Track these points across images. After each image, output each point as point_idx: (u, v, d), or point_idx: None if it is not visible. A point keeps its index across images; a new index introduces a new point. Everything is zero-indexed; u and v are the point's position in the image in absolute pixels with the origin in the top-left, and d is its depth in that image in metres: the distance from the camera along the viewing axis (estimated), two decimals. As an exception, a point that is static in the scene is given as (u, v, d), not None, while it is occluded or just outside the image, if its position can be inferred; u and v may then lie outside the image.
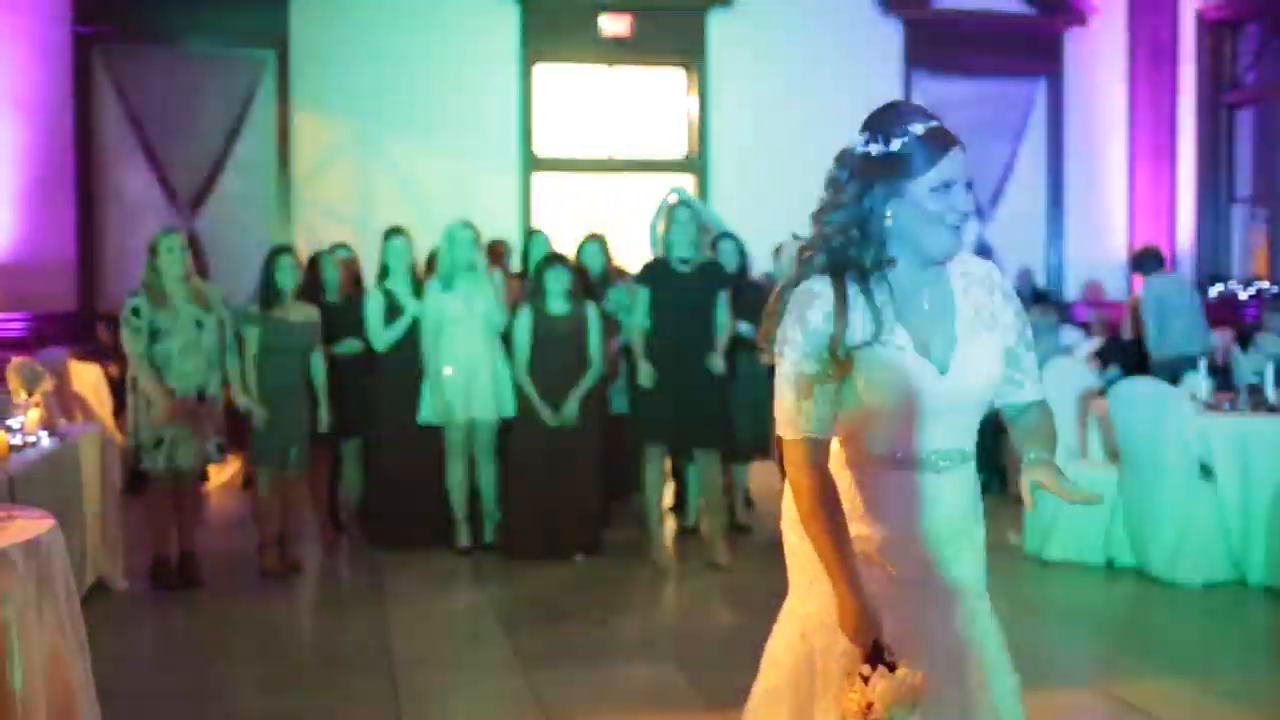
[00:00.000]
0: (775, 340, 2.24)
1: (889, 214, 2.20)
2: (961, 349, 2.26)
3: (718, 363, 6.44)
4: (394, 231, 7.18)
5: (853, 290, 2.20)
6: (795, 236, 7.43)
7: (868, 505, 2.28)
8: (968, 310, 2.30)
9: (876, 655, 2.14)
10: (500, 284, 7.09)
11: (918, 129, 2.18)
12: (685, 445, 6.74)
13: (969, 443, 2.33)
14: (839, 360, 2.19)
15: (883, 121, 2.22)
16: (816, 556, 2.24)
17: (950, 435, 2.29)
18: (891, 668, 2.11)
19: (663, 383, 6.40)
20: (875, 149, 2.20)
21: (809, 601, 2.32)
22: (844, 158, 2.26)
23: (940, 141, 2.19)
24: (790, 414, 2.21)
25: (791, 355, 2.19)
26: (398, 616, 5.68)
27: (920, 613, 2.28)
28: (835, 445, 2.32)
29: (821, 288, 2.20)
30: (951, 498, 2.31)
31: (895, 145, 2.18)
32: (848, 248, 2.20)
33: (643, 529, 6.73)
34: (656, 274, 6.54)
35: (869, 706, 2.08)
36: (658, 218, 7.38)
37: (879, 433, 2.26)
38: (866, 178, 2.20)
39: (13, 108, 10.19)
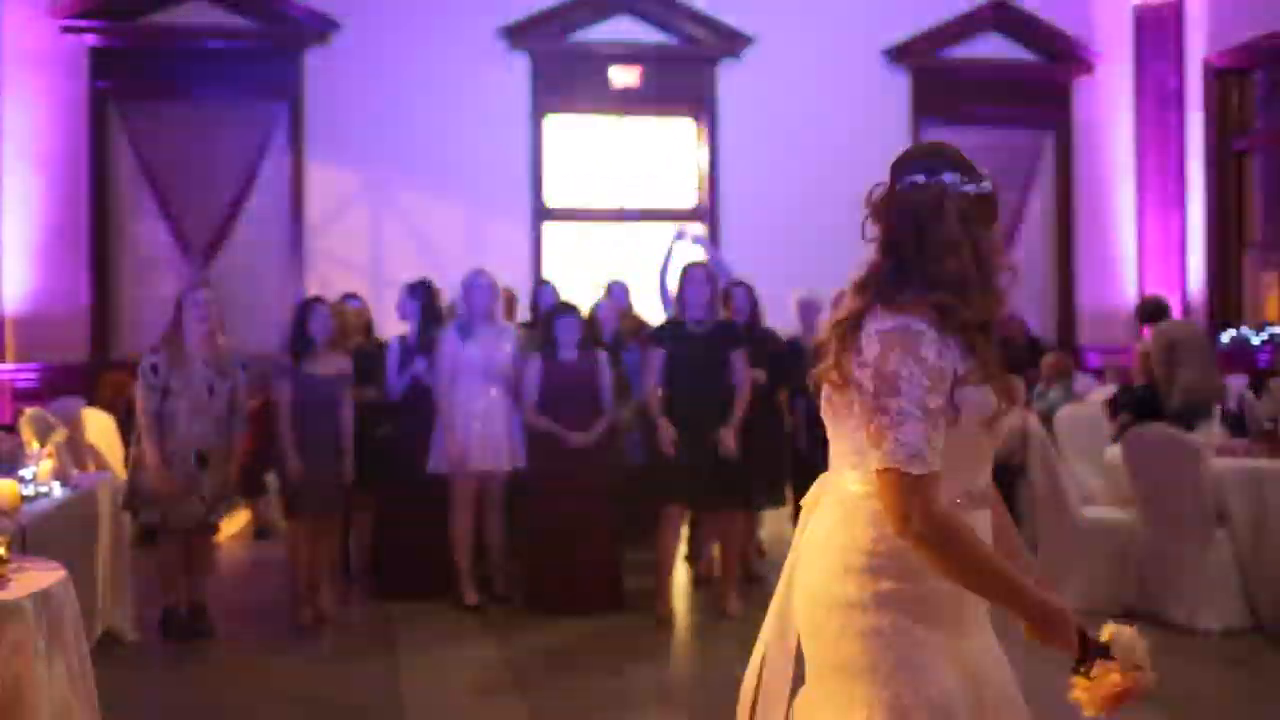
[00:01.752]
0: (868, 380, 2.10)
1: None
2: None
3: (727, 443, 6.34)
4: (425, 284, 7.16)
5: (955, 325, 2.12)
6: (809, 293, 7.43)
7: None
8: None
9: (1089, 647, 2.13)
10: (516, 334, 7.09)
11: (987, 182, 2.19)
12: (706, 504, 6.67)
13: (991, 487, 2.32)
14: (955, 403, 2.10)
15: (960, 160, 2.19)
16: (902, 639, 2.11)
17: (987, 476, 2.28)
18: (1104, 649, 2.12)
19: (681, 442, 6.33)
20: (971, 188, 2.17)
21: (892, 684, 2.11)
22: (934, 194, 2.16)
23: (994, 194, 2.22)
24: (918, 448, 2.03)
25: (913, 391, 2.04)
26: (409, 668, 5.65)
27: (981, 660, 2.25)
28: (844, 479, 2.21)
29: (921, 327, 2.09)
30: (988, 530, 2.28)
31: (986, 185, 2.18)
32: (951, 283, 2.12)
33: (657, 583, 6.66)
34: (671, 335, 6.51)
35: (1115, 686, 2.10)
36: (666, 263, 7.41)
37: (956, 473, 2.14)
38: (972, 220, 2.16)
39: (29, 160, 10.30)
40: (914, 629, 2.13)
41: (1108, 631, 2.14)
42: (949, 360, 2.09)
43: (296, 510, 6.46)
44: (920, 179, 2.17)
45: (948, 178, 2.16)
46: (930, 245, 2.13)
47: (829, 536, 2.22)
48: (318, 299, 6.76)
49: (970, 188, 2.16)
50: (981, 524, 2.24)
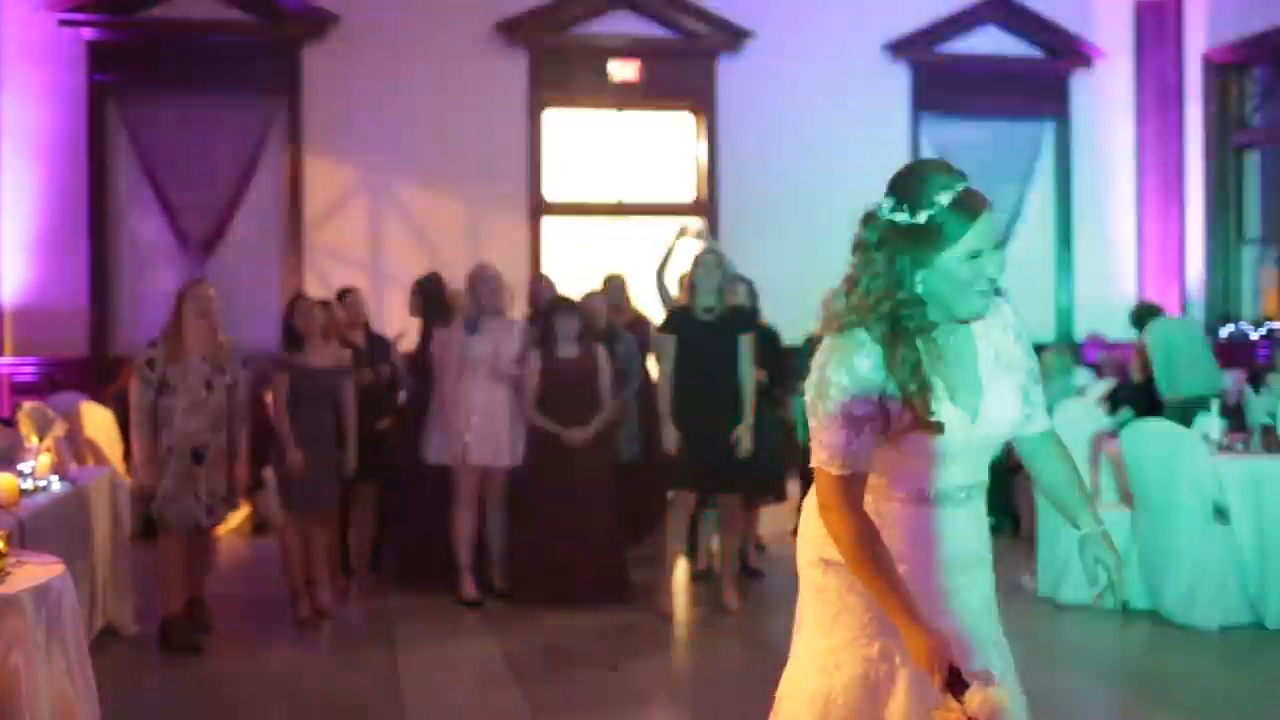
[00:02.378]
0: (811, 383, 2.28)
1: (919, 281, 2.21)
2: (988, 394, 2.31)
3: (745, 445, 6.33)
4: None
5: (900, 352, 2.22)
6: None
7: (888, 543, 2.29)
8: (989, 354, 2.35)
9: (956, 679, 2.13)
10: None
11: (944, 198, 2.19)
12: (711, 490, 6.69)
13: (985, 473, 2.41)
14: (885, 410, 2.22)
15: (909, 187, 2.22)
16: (842, 591, 2.30)
17: (971, 470, 2.36)
18: (967, 685, 2.10)
19: (690, 429, 6.34)
20: (901, 218, 2.21)
21: (832, 636, 2.35)
22: (870, 220, 2.27)
23: (969, 210, 2.20)
24: (837, 451, 2.22)
25: (839, 397, 2.21)
26: (408, 664, 5.65)
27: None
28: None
29: (864, 338, 2.23)
30: (967, 528, 2.38)
31: (921, 217, 2.19)
32: (886, 318, 2.22)
33: (662, 573, 6.67)
34: (681, 322, 6.52)
35: None
36: (666, 260, 7.39)
37: (904, 473, 2.31)
38: (894, 246, 2.22)
39: (28, 155, 10.29)
40: (858, 594, 2.29)
41: (977, 685, 2.10)
42: (892, 376, 2.21)
43: (292, 504, 6.45)
44: (874, 207, 2.29)
45: (887, 204, 2.24)
46: (860, 269, 2.26)
47: (808, 504, 2.44)
48: (303, 295, 6.74)
49: (896, 216, 2.21)
50: (959, 520, 2.34)
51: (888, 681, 2.29)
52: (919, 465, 2.29)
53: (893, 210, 2.22)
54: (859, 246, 2.27)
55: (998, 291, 2.31)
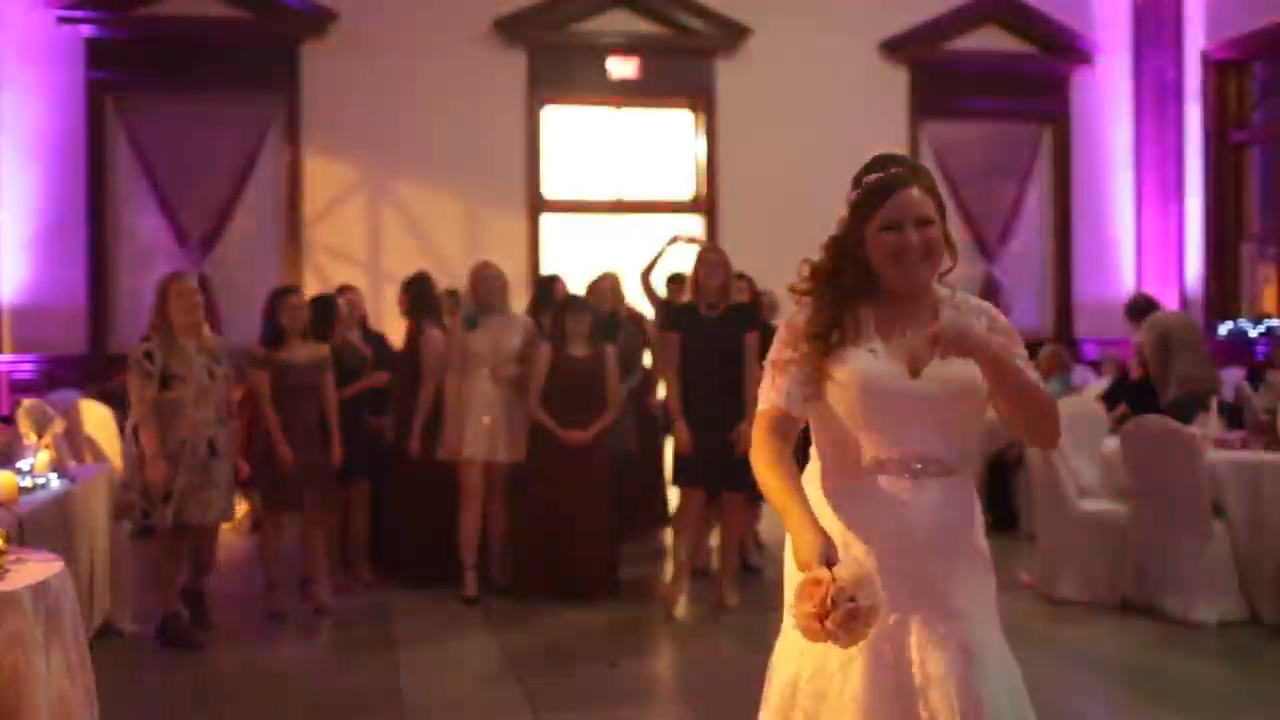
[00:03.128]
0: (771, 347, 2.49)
1: (859, 255, 2.43)
2: (939, 361, 2.32)
3: (747, 441, 6.32)
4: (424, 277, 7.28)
5: (830, 298, 2.43)
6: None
7: (850, 522, 2.36)
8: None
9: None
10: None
11: (871, 177, 2.43)
12: (715, 487, 6.70)
13: (952, 456, 2.39)
14: (815, 356, 2.39)
15: (862, 169, 2.47)
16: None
17: (929, 443, 2.37)
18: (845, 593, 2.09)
19: (696, 426, 6.36)
20: (851, 194, 2.47)
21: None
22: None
23: (888, 185, 2.40)
24: (765, 390, 2.44)
25: (775, 345, 2.46)
26: (407, 660, 5.65)
27: (908, 643, 2.32)
28: (814, 467, 2.48)
29: (810, 298, 2.47)
30: (935, 510, 2.36)
31: (854, 193, 2.45)
32: (834, 269, 2.45)
33: (662, 569, 6.69)
34: (685, 320, 6.52)
35: (829, 603, 2.07)
36: (653, 263, 7.44)
37: (856, 441, 2.38)
38: (844, 223, 2.47)
39: (26, 152, 10.28)
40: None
41: (849, 559, 2.20)
42: (826, 324, 2.41)
43: (274, 502, 6.47)
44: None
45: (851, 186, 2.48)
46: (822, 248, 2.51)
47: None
48: (288, 289, 6.72)
49: (851, 193, 2.46)
50: (924, 498, 2.35)
51: (844, 667, 2.29)
52: (872, 431, 2.36)
53: (853, 187, 2.47)
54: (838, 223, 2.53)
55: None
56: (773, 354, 2.46)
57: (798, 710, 2.33)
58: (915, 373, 2.35)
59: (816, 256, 2.52)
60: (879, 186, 2.40)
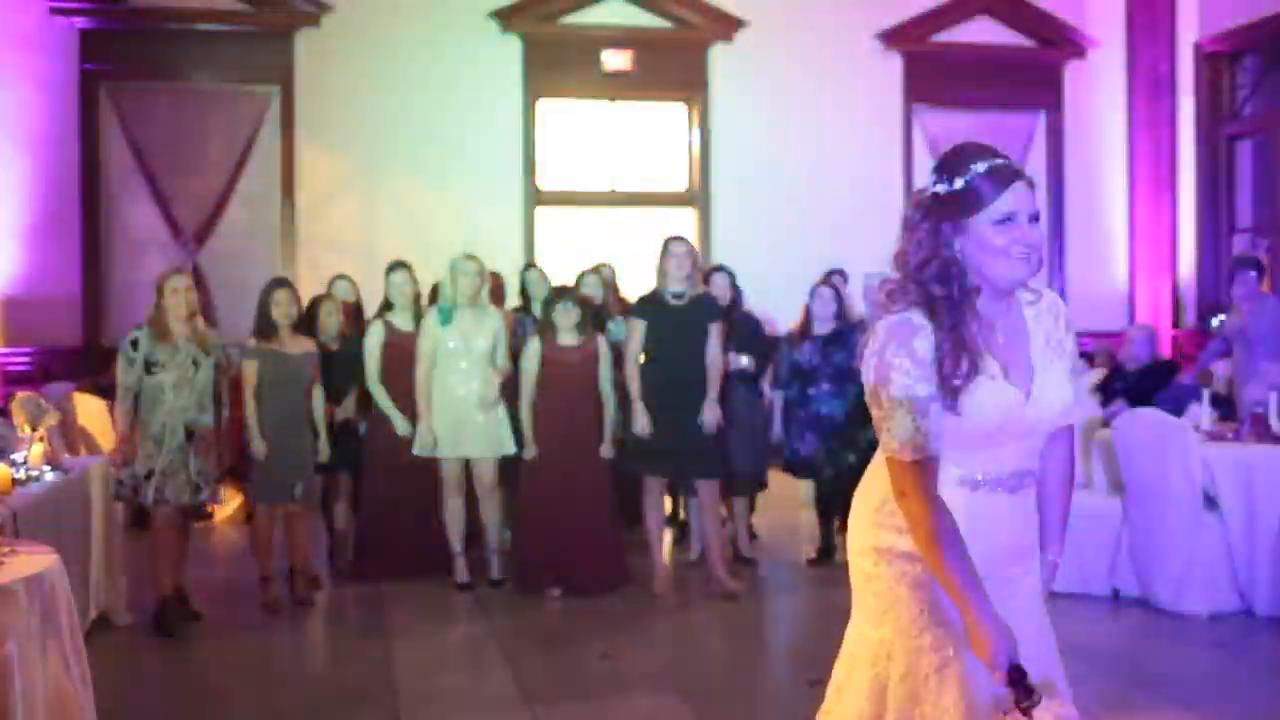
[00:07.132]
0: (870, 370, 2.29)
1: (958, 248, 2.27)
2: (1039, 376, 2.34)
3: (711, 420, 6.42)
4: (396, 265, 7.20)
5: (949, 323, 2.26)
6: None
7: None
8: (1039, 338, 2.39)
9: (1019, 678, 2.18)
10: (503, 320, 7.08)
11: (980, 167, 2.28)
12: (683, 476, 6.74)
13: (1037, 462, 2.42)
14: (949, 395, 2.24)
15: (949, 162, 2.32)
16: (892, 582, 2.33)
17: (1025, 457, 2.38)
18: (1031, 690, 2.16)
19: (658, 415, 6.40)
20: (942, 188, 2.29)
21: (883, 628, 2.38)
22: (916, 199, 2.35)
23: (1002, 177, 2.27)
24: (908, 436, 2.23)
25: (903, 380, 2.24)
26: (400, 651, 5.66)
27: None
28: (876, 477, 2.40)
29: (921, 321, 2.27)
30: (1021, 517, 2.40)
31: (958, 184, 2.27)
32: (932, 284, 2.28)
33: (646, 558, 6.73)
34: (650, 307, 6.56)
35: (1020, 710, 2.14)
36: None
37: (961, 458, 2.31)
38: (936, 216, 2.29)
39: (19, 144, 10.26)
40: (908, 586, 2.32)
41: (1046, 703, 2.20)
42: (946, 354, 2.24)
43: (263, 493, 6.48)
44: (921, 188, 2.36)
45: (930, 180, 2.32)
46: (909, 250, 2.32)
47: (863, 486, 2.46)
48: (282, 281, 6.73)
49: (938, 188, 2.30)
50: (1016, 508, 2.36)
51: (940, 672, 2.31)
52: (979, 450, 2.30)
53: (935, 184, 2.32)
54: (906, 223, 2.35)
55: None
56: (902, 391, 2.23)
57: (890, 713, 2.35)
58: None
59: (893, 266, 2.35)
60: (997, 176, 2.27)
